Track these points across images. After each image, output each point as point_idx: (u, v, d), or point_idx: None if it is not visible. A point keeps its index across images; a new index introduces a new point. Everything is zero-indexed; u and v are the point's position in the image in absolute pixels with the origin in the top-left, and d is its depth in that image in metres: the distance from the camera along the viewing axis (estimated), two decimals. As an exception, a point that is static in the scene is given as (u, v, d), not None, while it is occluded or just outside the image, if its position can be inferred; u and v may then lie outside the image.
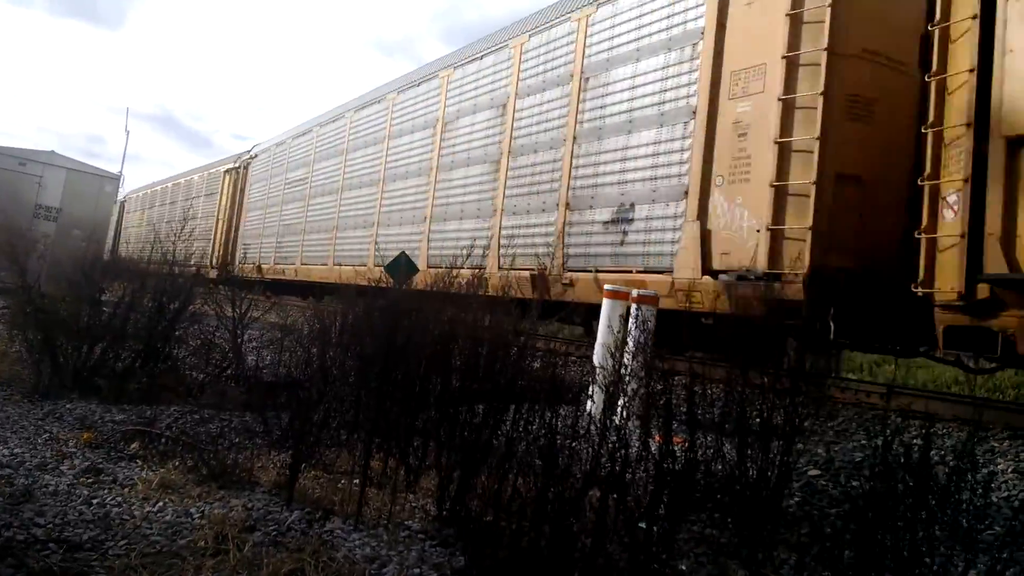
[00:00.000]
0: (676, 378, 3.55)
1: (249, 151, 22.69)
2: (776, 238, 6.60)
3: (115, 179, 21.13)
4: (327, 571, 2.78)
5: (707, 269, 7.13)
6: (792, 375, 3.50)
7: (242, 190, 22.17)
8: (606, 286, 6.35)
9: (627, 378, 3.29)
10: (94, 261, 7.97)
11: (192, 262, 19.06)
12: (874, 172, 6.59)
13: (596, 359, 5.73)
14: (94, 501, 3.38)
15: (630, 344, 4.09)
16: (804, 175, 6.46)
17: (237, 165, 22.99)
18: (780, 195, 6.60)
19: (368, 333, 4.46)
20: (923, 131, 5.66)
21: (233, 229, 22.52)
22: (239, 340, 6.54)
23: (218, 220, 23.27)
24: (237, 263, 20.68)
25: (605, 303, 6.10)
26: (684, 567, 3.11)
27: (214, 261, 22.56)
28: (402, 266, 9.25)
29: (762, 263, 6.63)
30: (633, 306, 5.84)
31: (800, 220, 6.47)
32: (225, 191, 23.42)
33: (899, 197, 6.48)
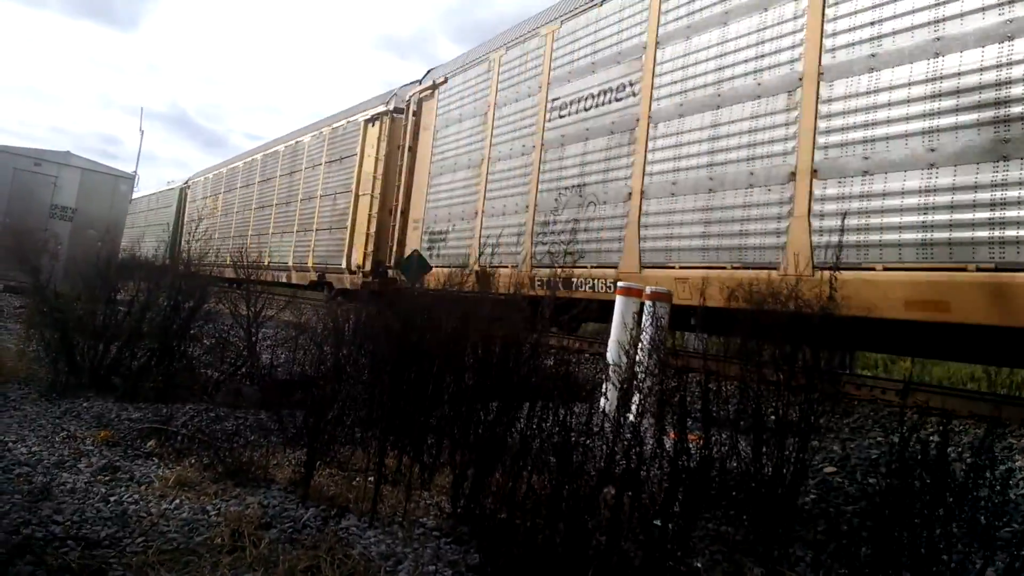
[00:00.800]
0: (690, 375, 3.54)
1: (421, 80, 13.86)
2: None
3: (129, 179, 21.32)
4: (343, 568, 2.79)
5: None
6: (807, 372, 3.48)
7: (411, 149, 13.42)
8: (619, 283, 6.34)
9: (641, 375, 3.29)
10: (109, 260, 8.00)
11: (308, 264, 17.09)
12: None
13: (610, 356, 5.73)
14: (111, 499, 3.40)
15: (644, 341, 4.08)
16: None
17: (391, 108, 14.40)
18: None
19: (382, 331, 4.47)
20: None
21: (396, 210, 13.49)
22: (253, 339, 6.57)
23: (359, 197, 14.94)
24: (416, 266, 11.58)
25: (618, 300, 6.09)
26: (699, 564, 3.10)
27: (355, 262, 14.81)
28: (414, 264, 9.24)
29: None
30: (647, 303, 5.83)
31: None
32: (371, 151, 14.78)
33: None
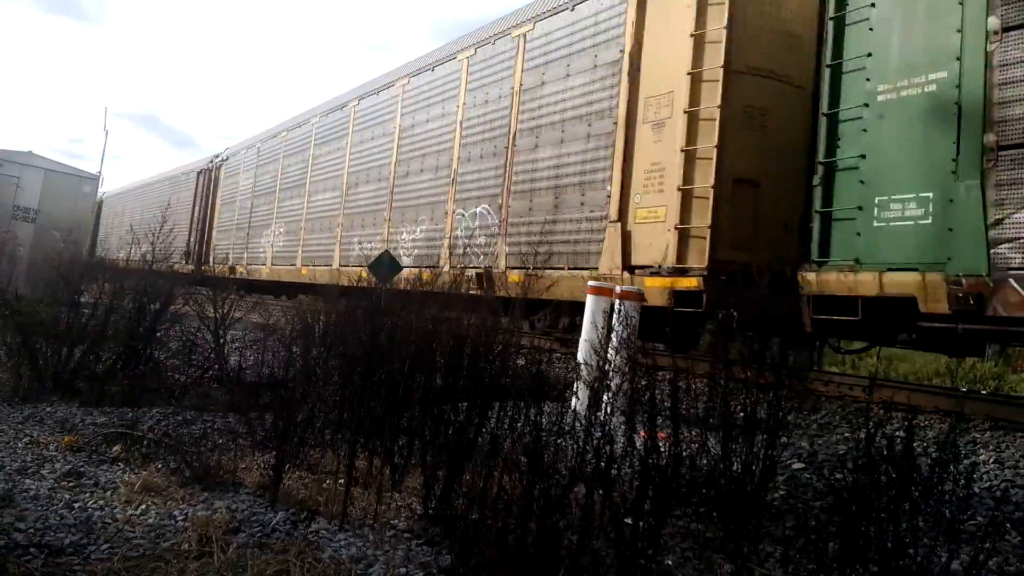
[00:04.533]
0: (660, 373, 3.56)
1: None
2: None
3: (94, 179, 20.99)
4: (312, 572, 2.76)
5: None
6: (775, 369, 3.51)
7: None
8: (590, 282, 6.36)
9: (611, 374, 3.30)
10: (72, 262, 7.88)
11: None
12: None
13: (581, 356, 5.74)
14: (76, 505, 3.35)
15: (614, 340, 4.10)
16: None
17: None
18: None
19: (352, 332, 4.44)
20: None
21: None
22: (221, 341, 6.50)
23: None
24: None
25: (589, 299, 6.10)
26: (670, 562, 3.12)
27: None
28: (384, 265, 9.23)
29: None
30: (616, 302, 5.85)
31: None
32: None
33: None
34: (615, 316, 5.56)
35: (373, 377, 3.97)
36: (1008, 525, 3.60)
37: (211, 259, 21.34)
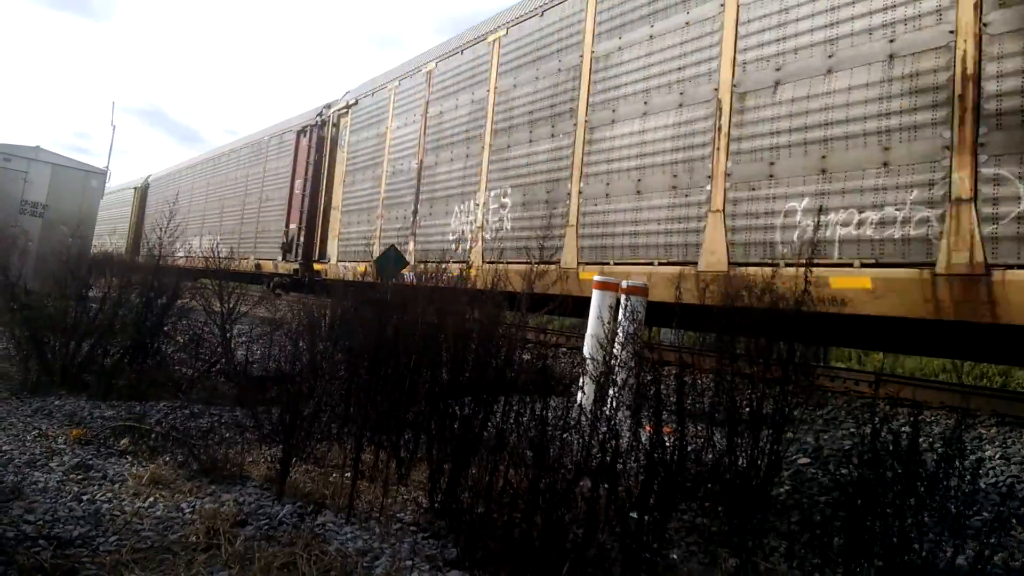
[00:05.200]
0: (666, 368, 3.56)
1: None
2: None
3: (101, 174, 21.04)
4: (319, 564, 2.78)
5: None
6: (782, 364, 3.51)
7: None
8: (595, 277, 6.35)
9: (617, 369, 3.30)
10: (80, 257, 7.91)
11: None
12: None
13: (586, 350, 5.74)
14: (84, 497, 3.37)
15: (620, 335, 4.09)
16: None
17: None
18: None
19: (358, 326, 4.45)
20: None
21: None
22: (228, 335, 6.53)
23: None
24: None
25: (595, 294, 6.09)
26: (675, 556, 3.13)
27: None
28: (391, 259, 9.19)
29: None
30: (623, 297, 5.84)
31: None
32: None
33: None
34: (621, 311, 5.56)
35: (379, 371, 3.99)
36: (1014, 520, 3.60)
37: (330, 253, 14.21)
